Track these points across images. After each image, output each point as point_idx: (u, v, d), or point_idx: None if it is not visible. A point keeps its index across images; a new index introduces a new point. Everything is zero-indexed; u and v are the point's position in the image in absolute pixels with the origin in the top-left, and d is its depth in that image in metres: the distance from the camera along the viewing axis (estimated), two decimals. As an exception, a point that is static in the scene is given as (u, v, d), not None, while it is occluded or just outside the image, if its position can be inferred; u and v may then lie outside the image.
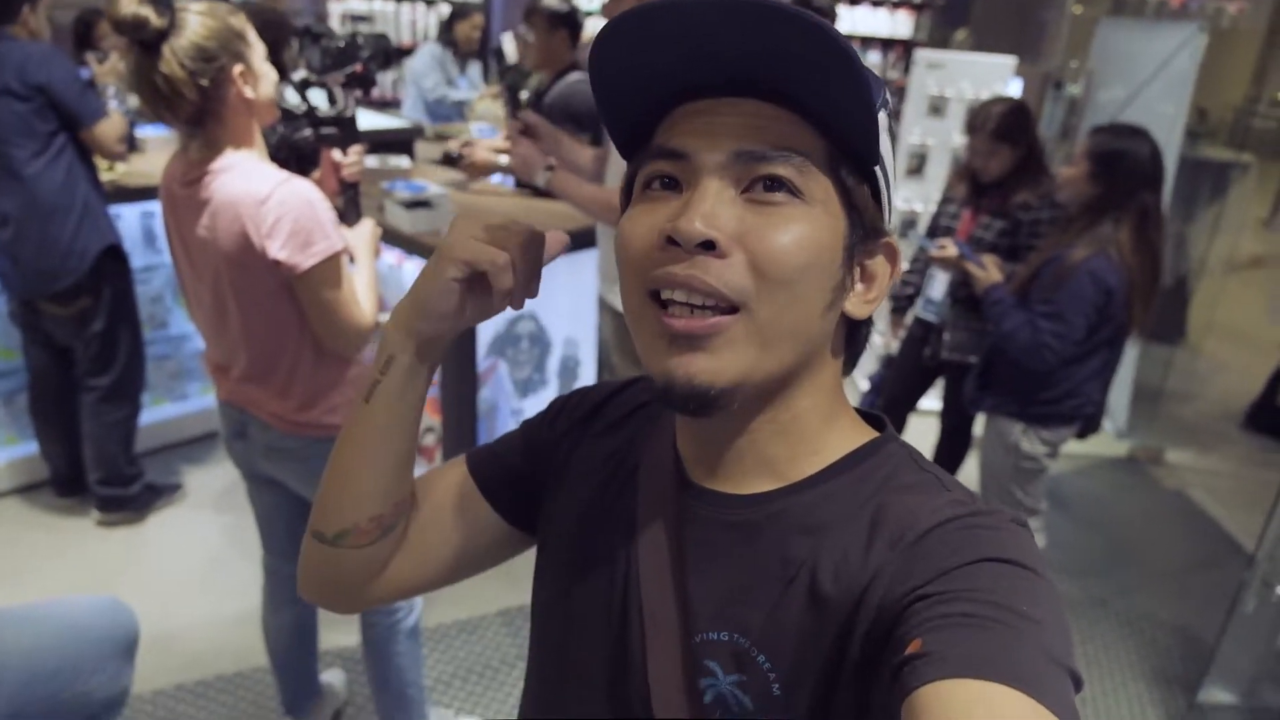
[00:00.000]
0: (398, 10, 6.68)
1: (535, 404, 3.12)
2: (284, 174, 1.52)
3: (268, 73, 1.56)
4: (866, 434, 0.67)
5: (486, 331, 2.82)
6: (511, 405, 3.02)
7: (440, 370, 1.12)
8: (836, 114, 0.57)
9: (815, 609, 0.58)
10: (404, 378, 0.68)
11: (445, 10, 6.47)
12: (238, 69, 1.50)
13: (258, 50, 1.55)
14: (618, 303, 2.43)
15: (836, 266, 0.59)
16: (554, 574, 0.76)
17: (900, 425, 3.31)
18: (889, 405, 3.30)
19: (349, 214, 1.88)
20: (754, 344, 0.57)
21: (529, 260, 0.64)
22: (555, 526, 0.77)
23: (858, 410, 0.69)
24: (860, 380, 4.29)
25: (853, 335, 0.66)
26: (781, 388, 0.62)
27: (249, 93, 1.52)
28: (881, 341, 4.16)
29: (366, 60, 1.87)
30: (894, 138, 0.64)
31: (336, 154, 1.91)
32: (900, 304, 3.23)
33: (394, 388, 0.68)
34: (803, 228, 0.57)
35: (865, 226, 0.61)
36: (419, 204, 2.80)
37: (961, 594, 0.50)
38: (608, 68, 0.60)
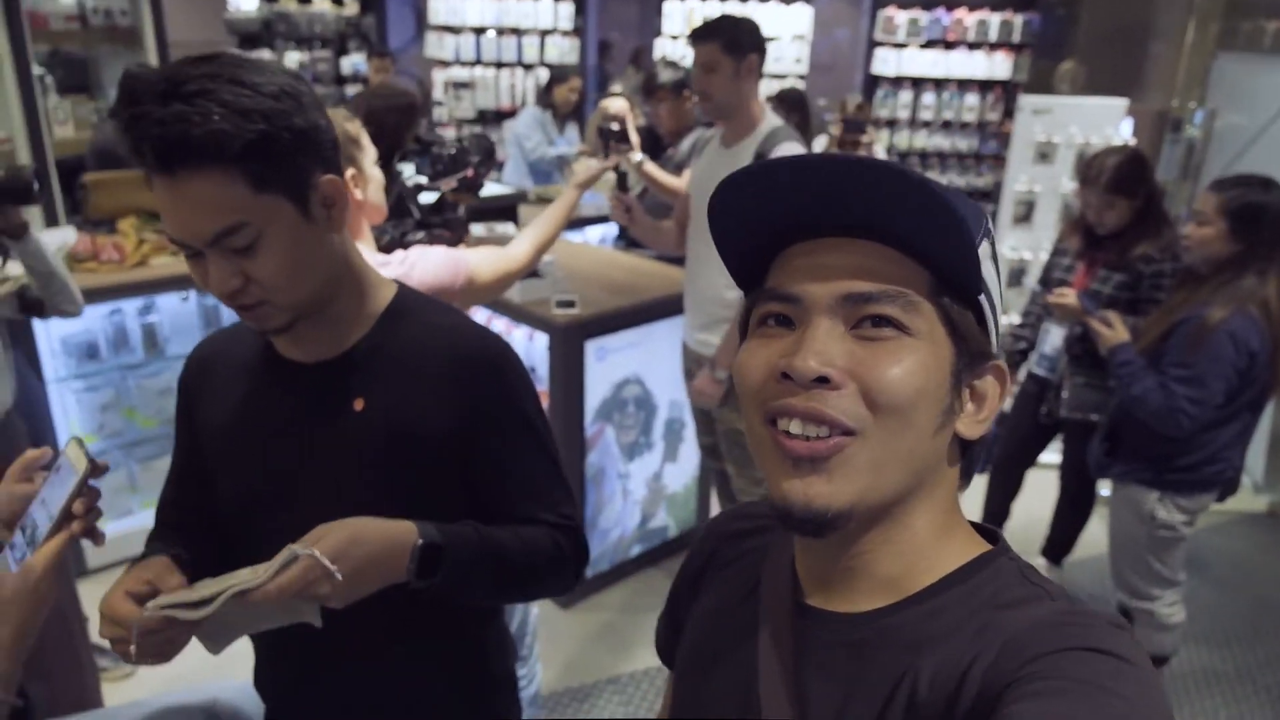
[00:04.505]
0: (498, 75, 6.95)
1: (641, 467, 3.14)
2: (401, 252, 1.61)
3: (376, 175, 1.67)
4: (979, 547, 0.68)
5: (594, 397, 2.87)
6: (619, 469, 3.05)
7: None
8: (939, 253, 0.61)
9: (914, 715, 0.60)
10: None
11: (543, 75, 6.72)
12: (350, 173, 1.59)
13: (369, 154, 1.66)
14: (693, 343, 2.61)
15: (944, 392, 0.62)
16: (688, 679, 0.79)
17: (1015, 485, 3.19)
18: (1002, 464, 3.19)
19: None
20: (870, 468, 0.60)
21: None
22: (687, 635, 0.82)
23: (972, 523, 0.70)
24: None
25: (966, 451, 0.68)
26: (896, 507, 0.64)
27: (358, 194, 1.61)
28: (992, 393, 4.05)
29: (477, 165, 1.96)
30: (997, 261, 0.67)
31: None
32: (1012, 359, 3.13)
33: None
34: (910, 359, 0.60)
35: (971, 352, 0.64)
36: (530, 274, 2.88)
37: (1049, 675, 0.52)
38: (726, 216, 0.66)
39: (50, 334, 2.98)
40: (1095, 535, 3.13)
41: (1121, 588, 2.50)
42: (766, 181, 0.62)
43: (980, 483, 3.31)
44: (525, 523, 1.12)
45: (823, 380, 0.59)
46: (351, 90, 6.75)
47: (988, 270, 0.64)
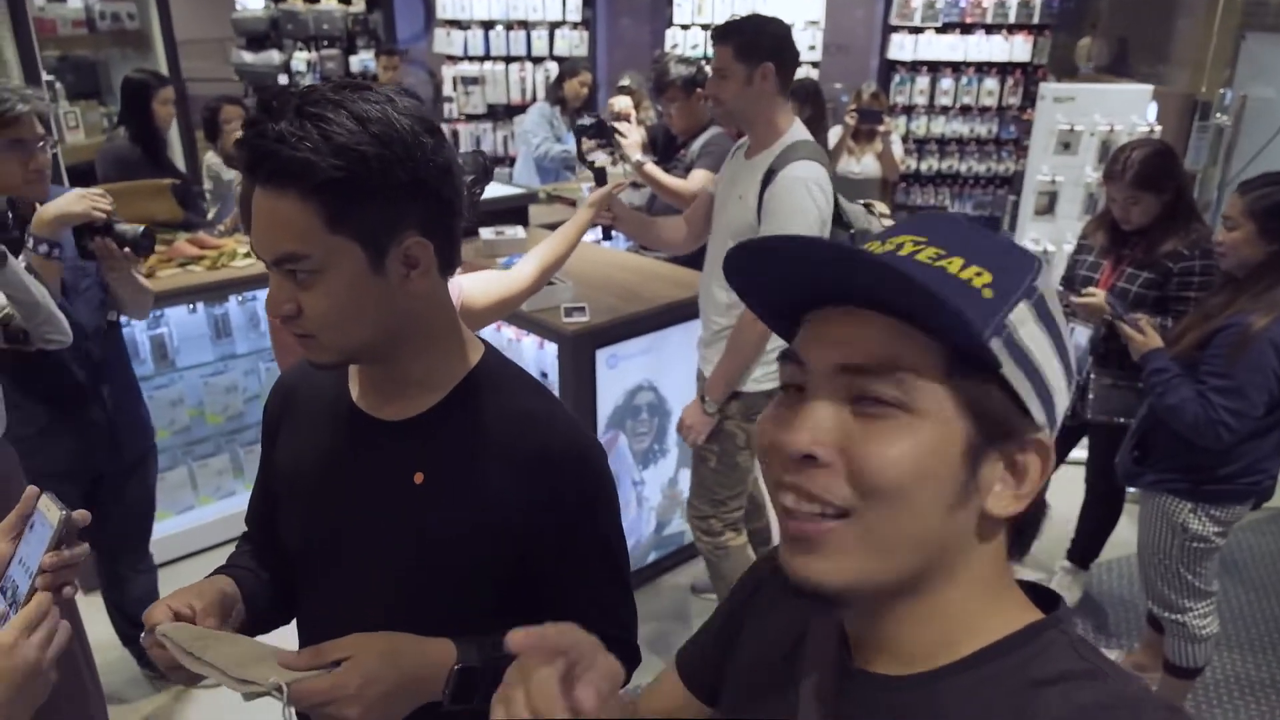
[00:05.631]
0: (507, 70, 6.88)
1: (656, 474, 3.08)
2: None
3: None
4: (1031, 615, 0.64)
5: (606, 404, 2.81)
6: (633, 476, 3.00)
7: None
8: (940, 334, 0.58)
9: None
10: None
11: (553, 68, 6.64)
12: None
13: None
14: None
15: (955, 470, 0.58)
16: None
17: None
18: (1028, 465, 3.11)
19: None
20: (867, 549, 0.58)
21: None
22: (729, 680, 0.80)
23: (1034, 585, 0.67)
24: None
25: (1022, 522, 0.63)
26: (918, 584, 0.61)
27: None
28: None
29: (471, 184, 1.90)
30: (1051, 318, 0.61)
31: None
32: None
33: None
34: (907, 440, 0.57)
35: (994, 427, 0.59)
36: (536, 281, 2.83)
37: None
38: (750, 275, 0.66)
39: (58, 350, 2.96)
40: (1124, 536, 3.04)
41: (1153, 598, 2.42)
42: (772, 253, 0.62)
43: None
44: None
45: (809, 458, 0.58)
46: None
47: (1029, 333, 0.59)
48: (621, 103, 4.27)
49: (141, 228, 2.08)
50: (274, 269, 0.91)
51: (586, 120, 2.43)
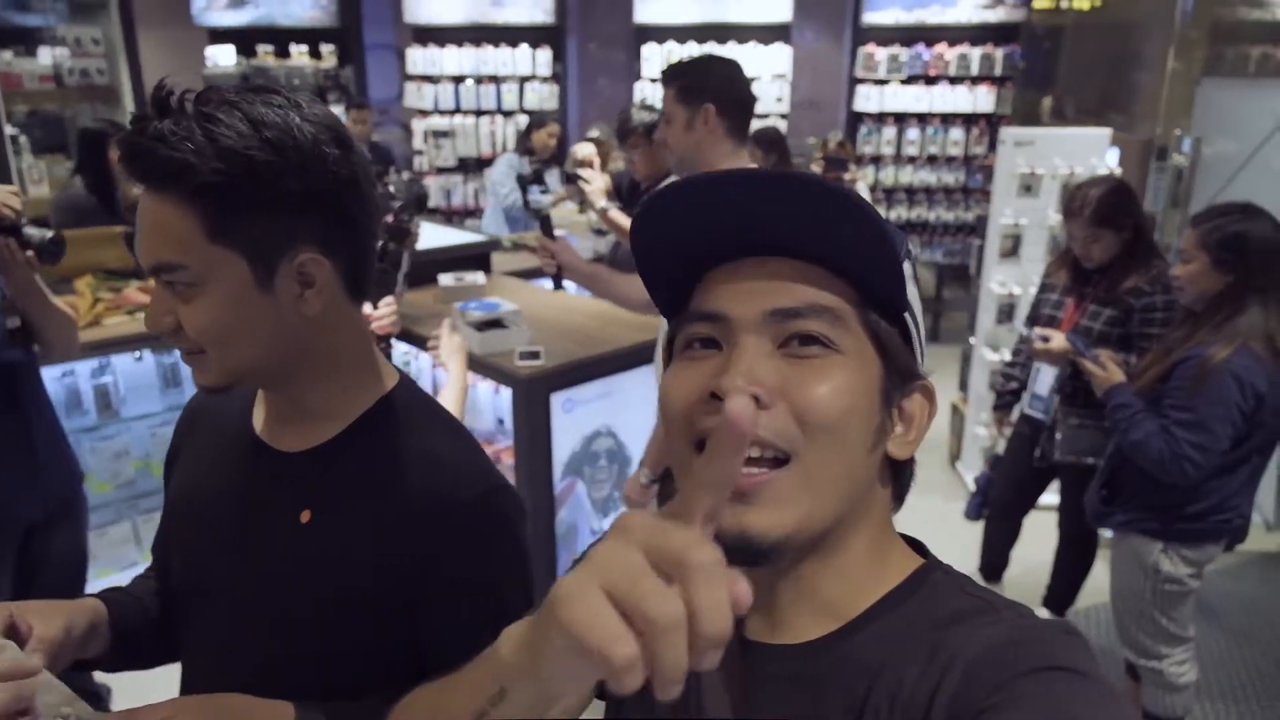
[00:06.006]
0: (477, 123, 6.92)
1: (616, 523, 2.98)
2: None
3: None
4: (914, 561, 0.67)
5: (562, 450, 2.72)
6: (591, 525, 2.90)
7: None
8: (864, 268, 0.61)
9: None
10: (523, 712, 0.51)
11: (523, 121, 6.68)
12: None
13: None
14: None
15: (875, 410, 0.62)
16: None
17: (1014, 531, 3.03)
18: (998, 510, 3.04)
19: None
20: (805, 494, 0.59)
21: (678, 645, 0.40)
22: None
23: (901, 535, 0.70)
24: (968, 478, 4.01)
25: (898, 471, 0.67)
26: (834, 531, 0.62)
27: None
28: (987, 434, 3.90)
29: (399, 211, 1.84)
30: (918, 283, 0.68)
31: (366, 308, 1.87)
32: (1004, 399, 3.00)
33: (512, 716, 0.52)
34: (839, 376, 0.59)
35: (899, 370, 0.63)
36: (491, 324, 2.76)
37: (1016, 702, 0.52)
38: (649, 241, 0.65)
39: None
40: (1099, 582, 2.96)
41: (1128, 645, 2.33)
42: (683, 205, 0.61)
43: (977, 530, 3.16)
44: None
45: (752, 400, 0.56)
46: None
47: (911, 290, 0.65)
48: (584, 150, 4.26)
49: (51, 233, 1.92)
50: (155, 279, 0.84)
51: (526, 170, 2.39)
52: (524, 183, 2.42)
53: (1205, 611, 3.20)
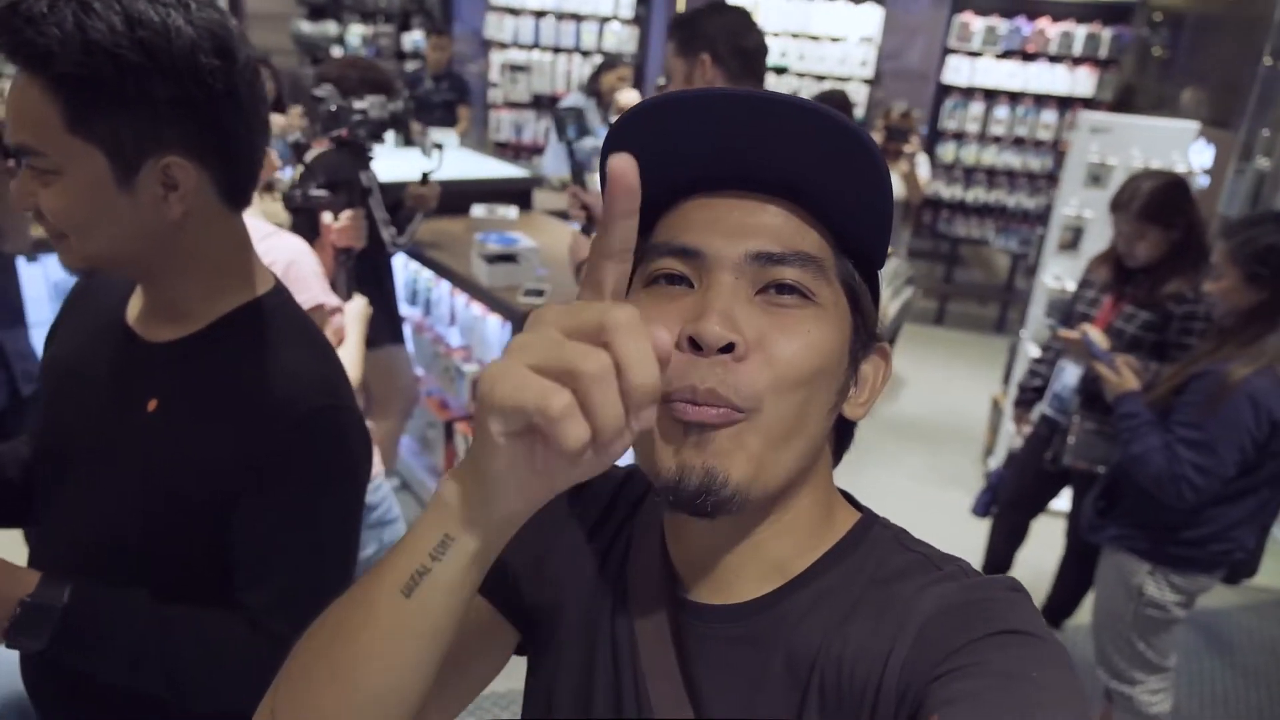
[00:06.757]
0: (554, 60, 6.84)
1: (610, 472, 2.96)
2: (270, 228, 1.47)
3: None
4: (853, 516, 0.66)
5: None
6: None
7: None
8: (856, 218, 0.58)
9: (834, 710, 0.57)
10: (466, 567, 0.50)
11: (599, 61, 6.58)
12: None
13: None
14: None
15: (843, 369, 0.60)
16: (544, 683, 0.70)
17: (1020, 533, 2.90)
18: (1006, 509, 2.91)
19: (340, 283, 1.80)
20: (765, 446, 0.56)
21: (610, 393, 0.41)
22: (541, 627, 0.71)
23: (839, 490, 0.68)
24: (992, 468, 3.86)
25: (842, 432, 0.66)
26: (786, 492, 0.60)
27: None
28: (1015, 430, 3.73)
29: (354, 127, 1.83)
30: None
31: (327, 217, 1.86)
32: (1026, 396, 2.85)
33: (451, 579, 0.50)
34: (815, 332, 0.57)
35: (867, 329, 0.62)
36: (502, 258, 2.74)
37: (971, 669, 0.51)
38: (626, 149, 0.56)
39: None
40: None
41: (1101, 664, 2.22)
42: (673, 116, 0.56)
43: (982, 527, 3.04)
44: (237, 607, 0.91)
45: (728, 348, 0.54)
46: (411, 66, 6.74)
47: None
48: (628, 97, 4.15)
49: None
50: (20, 159, 0.85)
51: (564, 106, 2.33)
52: (561, 122, 2.36)
53: (1219, 646, 3.03)
